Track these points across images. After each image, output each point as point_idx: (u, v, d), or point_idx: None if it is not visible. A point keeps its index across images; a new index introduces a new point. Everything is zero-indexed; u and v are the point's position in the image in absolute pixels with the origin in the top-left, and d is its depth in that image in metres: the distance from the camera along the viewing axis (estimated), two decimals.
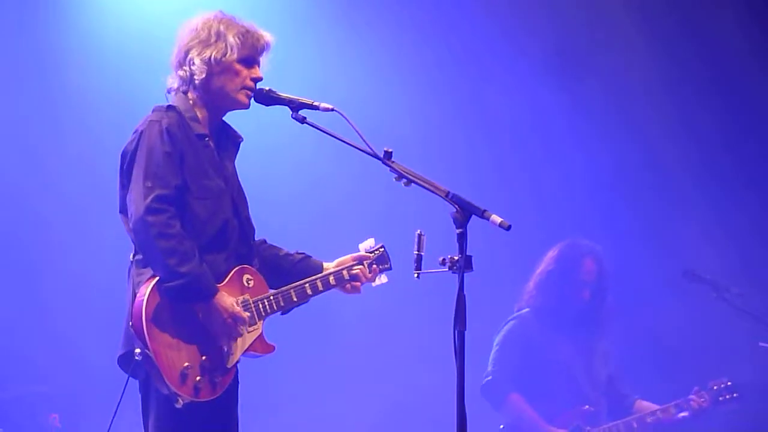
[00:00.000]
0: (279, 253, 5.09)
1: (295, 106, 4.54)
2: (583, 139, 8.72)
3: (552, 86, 8.65)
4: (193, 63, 4.77)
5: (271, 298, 4.90)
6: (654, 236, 8.53)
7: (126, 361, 4.68)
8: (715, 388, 7.22)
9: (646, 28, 8.68)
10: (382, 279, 5.16)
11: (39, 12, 8.31)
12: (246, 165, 8.17)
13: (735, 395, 7.22)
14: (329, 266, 5.12)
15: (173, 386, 4.60)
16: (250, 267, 4.90)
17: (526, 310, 7.27)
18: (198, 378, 4.68)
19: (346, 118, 4.30)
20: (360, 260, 5.13)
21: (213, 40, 4.79)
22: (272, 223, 8.18)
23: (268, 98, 4.63)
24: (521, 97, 8.67)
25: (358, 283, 5.11)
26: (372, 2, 8.73)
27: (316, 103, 4.52)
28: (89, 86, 8.32)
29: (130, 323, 4.63)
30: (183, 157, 4.70)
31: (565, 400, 7.12)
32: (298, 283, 4.98)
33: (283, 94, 4.61)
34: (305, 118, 4.50)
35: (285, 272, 5.05)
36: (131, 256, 4.76)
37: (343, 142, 4.32)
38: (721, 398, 7.22)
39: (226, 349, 4.75)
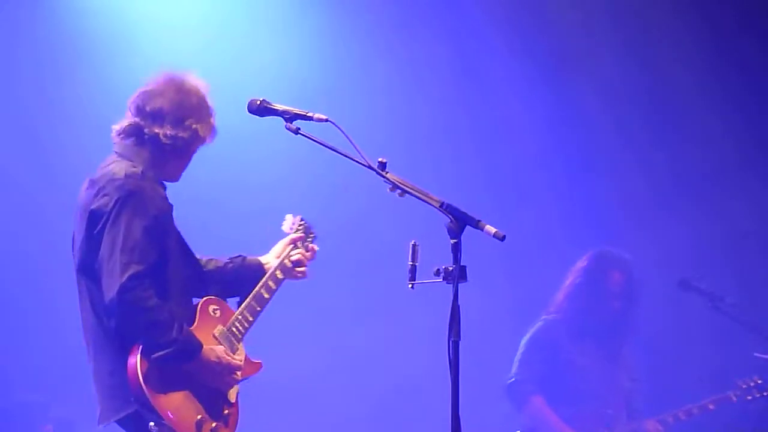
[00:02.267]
0: (219, 266, 5.13)
1: (289, 116, 4.50)
2: (579, 147, 8.74)
3: (548, 91, 8.68)
4: (181, 128, 4.80)
5: (240, 317, 4.97)
6: (651, 244, 8.53)
7: (130, 422, 4.71)
8: (744, 386, 7.26)
9: (646, 32, 8.72)
10: (315, 248, 5.30)
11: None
12: (240, 174, 8.29)
13: (765, 393, 7.27)
14: (267, 259, 5.20)
15: None
16: (209, 297, 4.95)
17: (554, 315, 7.30)
18: (213, 424, 4.79)
19: (340, 129, 4.28)
20: (293, 243, 5.23)
21: (205, 116, 4.90)
22: (265, 231, 8.30)
23: (262, 109, 4.59)
24: (513, 103, 8.69)
25: (303, 268, 5.22)
26: (368, 9, 8.75)
27: (309, 114, 4.50)
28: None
29: (132, 398, 4.65)
30: (164, 231, 4.72)
31: (586, 405, 7.14)
32: (252, 292, 5.05)
33: (277, 105, 4.58)
34: (299, 128, 4.47)
35: (232, 282, 5.12)
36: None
37: (337, 152, 4.30)
38: (749, 397, 7.26)
39: (225, 390, 4.87)
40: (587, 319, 7.23)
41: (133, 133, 4.83)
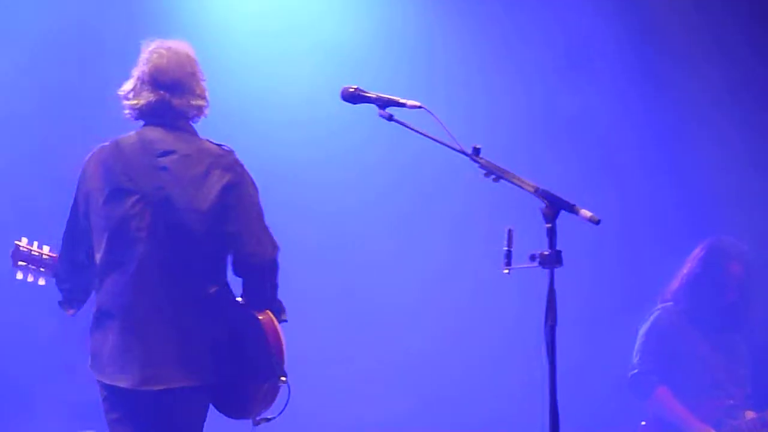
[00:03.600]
0: None
1: (382, 103, 4.50)
2: (670, 135, 8.67)
3: (641, 83, 8.63)
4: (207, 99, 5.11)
5: None
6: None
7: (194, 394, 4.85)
8: None
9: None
10: None
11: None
12: (332, 163, 8.34)
13: None
14: None
15: None
16: None
17: (670, 303, 7.26)
18: None
19: (433, 116, 4.29)
20: None
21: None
22: (357, 221, 8.35)
23: (356, 97, 4.59)
24: (609, 93, 8.63)
25: None
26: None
27: (403, 101, 4.49)
28: None
29: (274, 354, 4.95)
30: None
31: (708, 395, 7.08)
32: None
33: (370, 92, 4.59)
34: (392, 115, 4.48)
35: None
36: (211, 289, 4.89)
37: (432, 139, 4.31)
38: None
39: None
40: (704, 309, 7.16)
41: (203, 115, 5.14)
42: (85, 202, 4.93)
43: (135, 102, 5.00)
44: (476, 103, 8.40)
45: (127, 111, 5.03)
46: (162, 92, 4.96)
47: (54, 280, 5.21)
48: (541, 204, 4.16)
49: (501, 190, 4.55)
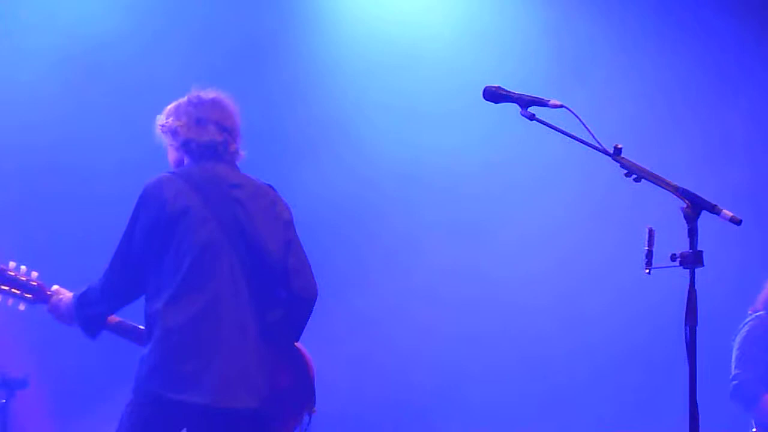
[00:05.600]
0: None
1: (525, 102, 4.51)
2: None
3: None
4: None
5: None
6: None
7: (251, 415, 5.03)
8: None
9: None
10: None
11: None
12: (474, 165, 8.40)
13: None
14: None
15: None
16: None
17: (762, 312, 7.17)
18: None
19: (575, 115, 4.29)
20: None
21: None
22: (501, 222, 8.40)
23: (498, 95, 4.60)
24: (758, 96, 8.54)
25: None
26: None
27: (545, 100, 4.49)
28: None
29: (312, 384, 5.24)
30: None
31: None
32: None
33: (513, 91, 4.62)
34: (534, 115, 4.50)
35: None
36: (274, 316, 5.15)
37: (574, 138, 4.33)
38: None
39: None
40: None
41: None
42: (152, 227, 5.03)
43: (198, 137, 5.22)
44: (618, 102, 8.36)
45: (179, 141, 5.24)
46: (225, 134, 5.25)
47: (77, 308, 5.18)
48: (682, 204, 4.15)
49: (640, 190, 4.55)
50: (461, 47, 8.56)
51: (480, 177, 8.52)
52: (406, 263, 8.51)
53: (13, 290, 5.25)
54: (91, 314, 5.16)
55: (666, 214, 4.60)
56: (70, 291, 5.27)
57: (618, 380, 8.33)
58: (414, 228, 8.54)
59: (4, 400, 6.67)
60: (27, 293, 5.28)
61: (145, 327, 5.04)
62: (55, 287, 5.35)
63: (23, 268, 5.32)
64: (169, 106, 5.31)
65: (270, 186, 5.31)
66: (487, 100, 4.67)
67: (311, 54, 8.59)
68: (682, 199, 4.16)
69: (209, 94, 5.31)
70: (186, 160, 5.23)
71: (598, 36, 8.65)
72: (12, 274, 5.28)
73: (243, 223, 5.10)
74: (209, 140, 5.21)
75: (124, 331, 5.30)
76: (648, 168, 4.27)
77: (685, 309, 4.07)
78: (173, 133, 5.22)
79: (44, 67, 7.89)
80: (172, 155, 5.28)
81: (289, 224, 5.23)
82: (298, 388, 5.19)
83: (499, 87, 4.62)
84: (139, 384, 4.95)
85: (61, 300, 5.29)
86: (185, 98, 5.30)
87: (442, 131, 8.49)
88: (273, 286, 5.14)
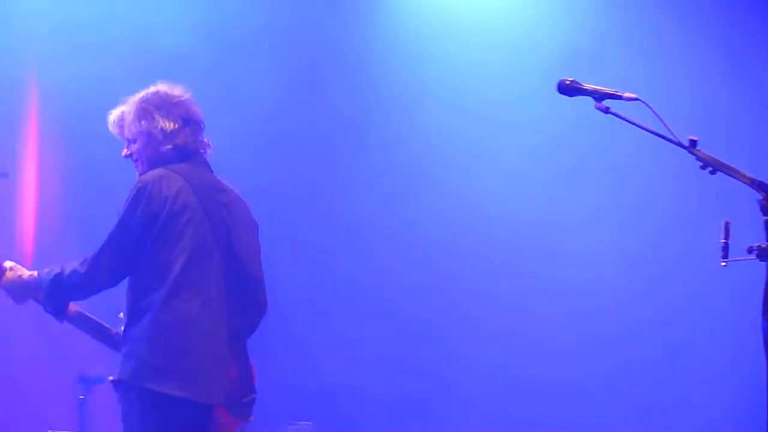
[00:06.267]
0: None
1: (599, 96, 4.51)
2: None
3: None
4: None
5: None
6: None
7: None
8: None
9: None
10: None
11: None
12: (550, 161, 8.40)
13: None
14: None
15: None
16: None
17: None
18: None
19: (650, 108, 4.29)
20: None
21: None
22: (568, 213, 8.37)
23: (572, 89, 4.60)
24: None
25: None
26: None
27: (619, 93, 4.49)
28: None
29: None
30: None
31: None
32: None
33: (587, 85, 4.61)
34: (609, 108, 4.50)
35: None
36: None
37: (649, 131, 4.32)
38: None
39: None
40: None
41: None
42: (152, 221, 5.00)
43: (194, 139, 5.21)
44: (693, 95, 8.31)
45: (168, 147, 5.16)
46: (206, 137, 5.26)
47: (52, 288, 5.09)
48: (758, 196, 4.13)
49: (713, 182, 4.54)
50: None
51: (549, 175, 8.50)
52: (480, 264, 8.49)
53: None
54: (67, 297, 5.12)
55: (741, 207, 4.56)
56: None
57: (696, 376, 8.25)
58: (472, 227, 8.51)
59: (82, 396, 6.79)
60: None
61: (130, 320, 5.00)
62: (10, 263, 5.22)
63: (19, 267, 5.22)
64: (140, 102, 5.18)
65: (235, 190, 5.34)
66: (561, 93, 4.69)
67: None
68: (757, 191, 4.14)
69: (181, 90, 5.23)
70: (165, 160, 5.15)
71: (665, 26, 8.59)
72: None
73: (228, 227, 5.15)
74: (199, 142, 5.23)
75: (87, 326, 5.28)
76: (723, 160, 4.26)
77: (762, 302, 4.05)
78: (165, 133, 5.14)
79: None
80: (149, 152, 5.17)
81: (257, 233, 5.32)
82: (249, 393, 5.23)
83: (573, 80, 4.64)
84: (132, 380, 4.94)
85: (20, 276, 5.18)
86: (162, 94, 5.19)
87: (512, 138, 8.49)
88: (242, 292, 5.18)
